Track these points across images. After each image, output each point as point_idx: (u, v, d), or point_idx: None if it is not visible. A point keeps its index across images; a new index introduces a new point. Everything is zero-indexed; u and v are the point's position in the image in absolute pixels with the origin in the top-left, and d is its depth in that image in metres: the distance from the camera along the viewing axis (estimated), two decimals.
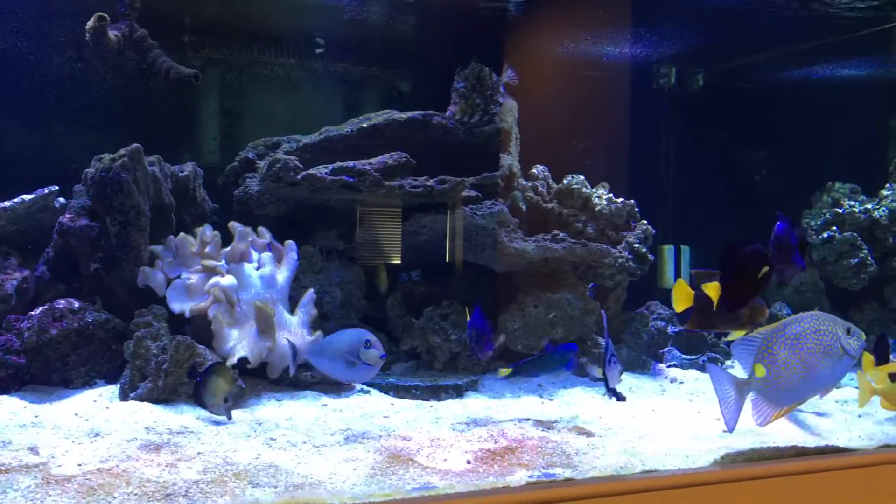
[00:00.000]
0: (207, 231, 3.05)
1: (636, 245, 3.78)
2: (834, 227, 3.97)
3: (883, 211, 3.97)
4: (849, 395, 3.28)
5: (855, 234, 3.92)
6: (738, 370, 2.94)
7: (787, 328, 2.26)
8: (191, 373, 2.66)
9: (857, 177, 4.22)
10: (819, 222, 4.03)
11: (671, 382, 3.53)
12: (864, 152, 4.51)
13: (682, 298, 2.66)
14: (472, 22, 3.90)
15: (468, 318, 2.82)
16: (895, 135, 4.40)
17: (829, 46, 4.16)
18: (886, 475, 2.38)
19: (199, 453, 2.14)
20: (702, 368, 3.76)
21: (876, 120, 4.58)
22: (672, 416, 2.84)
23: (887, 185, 4.12)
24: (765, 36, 4.11)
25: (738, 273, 2.41)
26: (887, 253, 3.97)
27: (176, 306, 2.91)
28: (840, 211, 4.02)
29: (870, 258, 3.88)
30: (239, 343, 2.82)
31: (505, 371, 2.84)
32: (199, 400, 2.51)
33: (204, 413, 2.55)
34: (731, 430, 2.26)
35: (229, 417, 2.49)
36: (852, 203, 4.03)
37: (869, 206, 4.00)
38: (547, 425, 2.60)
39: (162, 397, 2.70)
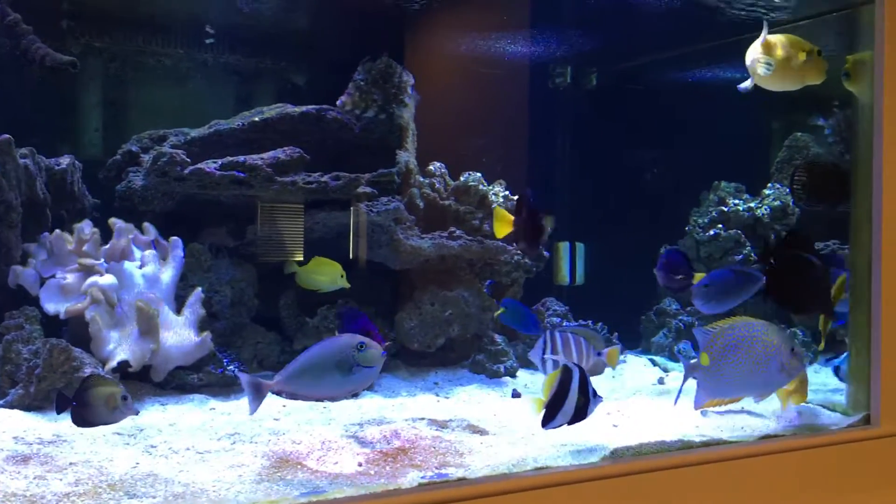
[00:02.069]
0: (86, 228, 2.89)
1: None
2: (720, 225, 4.10)
3: (765, 209, 4.13)
4: None
5: (739, 231, 4.06)
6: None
7: (736, 329, 2.44)
8: (59, 403, 2.27)
9: (742, 176, 4.37)
10: (706, 220, 4.16)
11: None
12: (750, 153, 4.69)
13: None
14: (370, 16, 3.83)
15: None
16: (778, 136, 4.58)
17: (716, 49, 4.29)
18: (765, 465, 2.46)
19: (71, 464, 2.02)
20: None
21: (761, 122, 4.76)
22: None
23: (769, 184, 4.29)
24: (654, 38, 4.21)
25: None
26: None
27: (50, 307, 2.75)
28: (725, 209, 4.16)
29: (753, 255, 4.03)
30: (119, 346, 2.68)
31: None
32: (85, 422, 2.30)
33: None
34: (675, 403, 2.52)
35: (137, 412, 2.29)
36: (737, 202, 4.18)
37: (752, 204, 4.16)
38: (441, 424, 2.58)
39: (34, 404, 2.54)
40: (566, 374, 2.27)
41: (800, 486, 2.53)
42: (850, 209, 2.99)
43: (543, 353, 2.67)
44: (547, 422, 2.26)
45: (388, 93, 3.49)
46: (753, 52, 2.77)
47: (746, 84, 2.80)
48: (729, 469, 2.40)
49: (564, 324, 3.90)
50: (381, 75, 3.49)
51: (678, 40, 4.26)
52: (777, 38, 2.79)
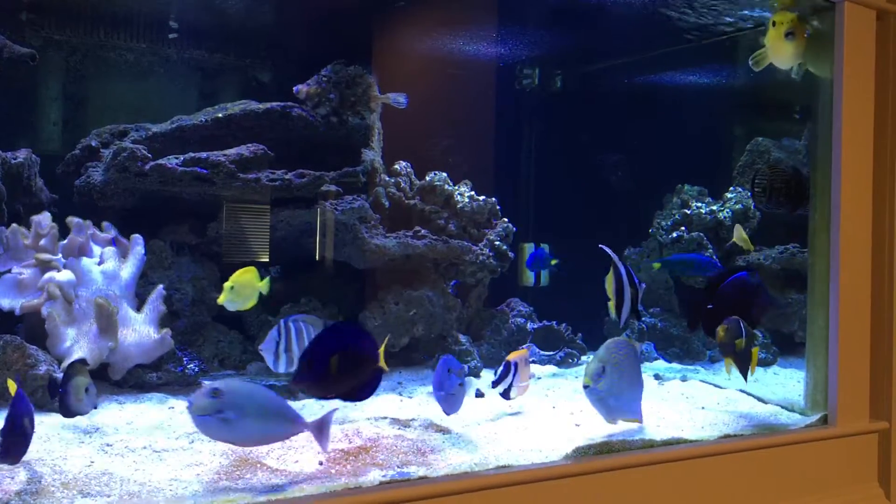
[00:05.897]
0: (43, 222, 2.83)
1: (497, 243, 3.82)
2: (682, 228, 4.15)
3: (727, 212, 4.19)
4: (693, 391, 3.43)
5: (701, 234, 4.11)
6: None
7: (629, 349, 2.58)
8: (52, 389, 2.37)
9: (705, 180, 4.42)
10: (669, 222, 4.20)
11: (529, 378, 3.57)
12: (713, 157, 4.74)
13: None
14: (337, 14, 3.81)
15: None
16: (740, 141, 4.64)
17: (680, 53, 4.33)
18: (726, 463, 2.49)
19: (23, 462, 1.97)
20: (559, 364, 3.84)
21: (723, 126, 4.82)
22: (528, 411, 2.87)
23: (731, 188, 4.35)
24: (619, 42, 4.24)
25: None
26: (730, 252, 4.19)
27: (5, 303, 2.68)
28: (688, 212, 4.20)
29: (714, 256, 4.08)
30: (76, 343, 2.63)
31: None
32: (70, 411, 2.24)
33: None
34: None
35: (96, 406, 2.27)
36: (699, 205, 4.22)
37: (714, 207, 4.21)
38: (403, 423, 2.57)
39: None
40: (616, 270, 2.59)
41: (759, 485, 2.56)
42: (808, 213, 3.04)
43: (278, 346, 2.58)
44: (618, 315, 2.61)
45: (346, 99, 3.44)
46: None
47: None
48: (689, 468, 2.42)
49: (529, 325, 3.90)
50: (346, 80, 3.44)
51: (643, 44, 4.30)
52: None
